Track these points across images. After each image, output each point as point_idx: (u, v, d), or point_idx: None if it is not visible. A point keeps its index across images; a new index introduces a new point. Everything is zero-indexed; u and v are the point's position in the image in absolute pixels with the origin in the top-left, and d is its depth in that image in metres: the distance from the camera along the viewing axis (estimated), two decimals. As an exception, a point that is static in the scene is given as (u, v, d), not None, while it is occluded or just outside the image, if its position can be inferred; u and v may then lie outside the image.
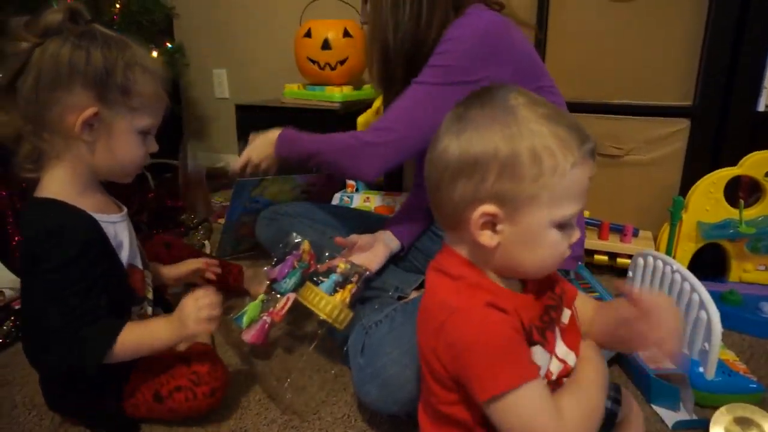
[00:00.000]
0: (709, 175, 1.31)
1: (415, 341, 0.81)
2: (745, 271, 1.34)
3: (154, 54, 1.81)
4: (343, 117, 1.94)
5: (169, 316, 0.83)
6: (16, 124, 0.77)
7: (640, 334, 0.60)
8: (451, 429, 0.60)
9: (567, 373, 0.62)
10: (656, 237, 1.45)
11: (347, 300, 0.92)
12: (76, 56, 0.74)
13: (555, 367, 0.60)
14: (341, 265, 0.97)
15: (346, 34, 1.93)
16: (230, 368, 1.03)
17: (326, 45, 1.93)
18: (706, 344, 0.93)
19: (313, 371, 1.04)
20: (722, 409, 0.85)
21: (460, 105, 0.58)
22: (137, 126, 0.80)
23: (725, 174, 1.30)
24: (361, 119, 1.99)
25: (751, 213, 1.30)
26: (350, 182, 1.76)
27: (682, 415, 0.90)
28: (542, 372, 0.57)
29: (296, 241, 1.08)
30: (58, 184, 0.79)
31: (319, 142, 1.04)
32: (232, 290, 1.27)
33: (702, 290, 0.96)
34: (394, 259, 1.12)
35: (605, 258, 1.46)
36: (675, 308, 0.60)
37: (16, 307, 1.19)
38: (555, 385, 0.60)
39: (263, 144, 1.12)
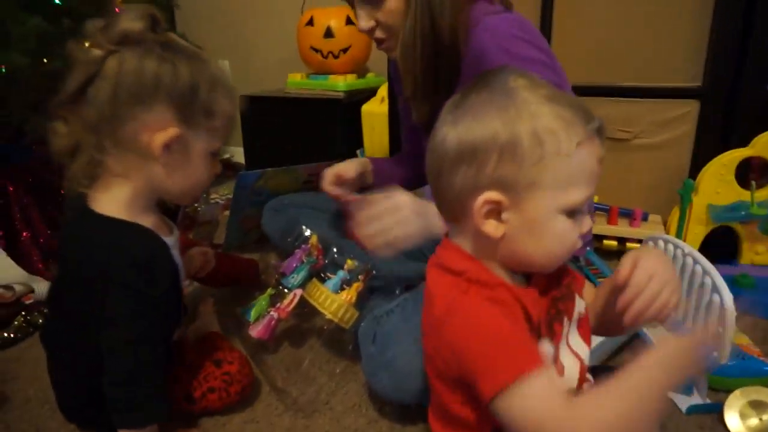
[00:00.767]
0: (719, 156, 1.29)
1: None
2: (757, 253, 1.33)
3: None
4: (347, 106, 1.93)
5: None
6: (76, 135, 0.71)
7: (623, 305, 0.56)
8: (462, 431, 0.59)
9: (584, 371, 0.59)
10: (666, 221, 1.44)
11: (353, 299, 0.92)
12: (162, 70, 0.68)
13: (568, 361, 0.57)
14: (349, 262, 0.96)
15: (349, 22, 1.91)
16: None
17: (329, 33, 1.91)
18: (720, 328, 0.93)
19: (323, 362, 1.04)
20: (736, 392, 0.84)
21: (460, 93, 0.56)
22: (212, 148, 0.75)
23: (736, 155, 1.28)
24: (365, 108, 1.98)
25: (762, 194, 1.29)
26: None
27: (696, 399, 0.89)
28: (550, 364, 0.55)
29: (305, 234, 1.07)
30: (125, 203, 0.73)
31: None
32: (248, 285, 1.27)
33: (715, 273, 0.95)
34: None
35: (614, 243, 1.45)
36: (661, 273, 0.56)
37: (27, 302, 1.20)
38: (576, 393, 0.57)
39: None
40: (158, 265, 0.73)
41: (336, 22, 1.92)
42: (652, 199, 1.48)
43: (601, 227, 1.44)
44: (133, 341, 0.71)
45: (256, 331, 1.00)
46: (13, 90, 1.26)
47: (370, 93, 1.99)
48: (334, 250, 1.05)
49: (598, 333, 0.67)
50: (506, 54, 0.85)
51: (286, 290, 1.02)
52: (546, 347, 0.55)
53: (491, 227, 0.53)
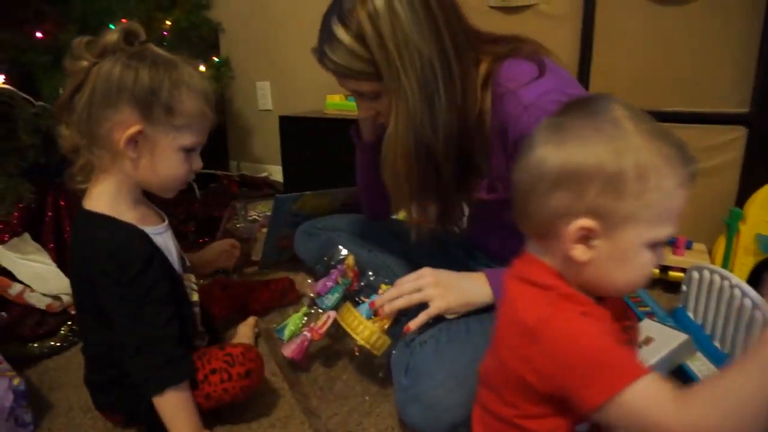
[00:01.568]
0: (768, 185, 1.25)
1: (461, 363, 0.81)
2: (809, 286, 1.27)
3: (202, 68, 1.87)
4: (384, 127, 1.95)
5: None
6: (73, 139, 0.82)
7: None
8: None
9: None
10: (711, 250, 1.39)
11: (386, 327, 0.91)
12: (124, 75, 0.77)
13: None
14: (383, 287, 0.95)
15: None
16: (274, 377, 1.04)
17: (367, 56, 1.94)
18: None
19: (356, 382, 1.04)
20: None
21: (559, 114, 0.56)
22: (181, 144, 0.82)
23: (786, 184, 1.24)
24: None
25: (815, 225, 1.23)
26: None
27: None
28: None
29: (341, 254, 1.07)
30: (107, 197, 0.83)
31: None
32: (287, 304, 1.31)
33: (765, 306, 0.91)
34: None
35: (656, 271, 1.40)
36: None
37: (73, 312, 1.24)
38: None
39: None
40: (129, 252, 0.80)
41: (375, 46, 1.95)
42: (696, 226, 1.43)
43: (642, 255, 1.40)
44: (133, 315, 0.80)
45: (289, 351, 1.01)
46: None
47: (406, 115, 2.01)
48: (370, 273, 1.05)
49: None
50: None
51: (320, 311, 1.03)
52: None
53: (579, 252, 0.55)
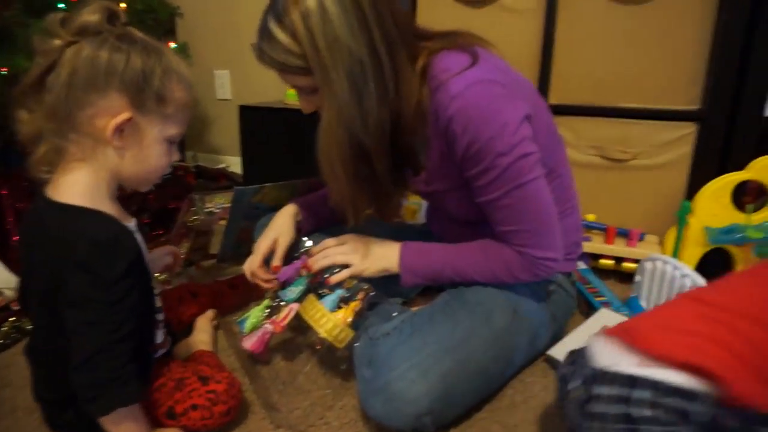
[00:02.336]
0: (716, 179, 1.30)
1: (423, 354, 0.82)
2: (752, 276, 1.33)
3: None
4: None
5: None
6: (37, 123, 0.74)
7: None
8: None
9: None
10: (662, 241, 1.44)
11: (349, 319, 0.90)
12: (115, 59, 0.71)
13: None
14: (348, 280, 0.95)
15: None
16: (234, 372, 1.01)
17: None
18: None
19: (319, 375, 1.03)
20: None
21: None
22: (167, 134, 0.78)
23: (733, 178, 1.29)
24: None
25: (758, 217, 1.30)
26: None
27: None
28: None
29: (306, 244, 1.06)
30: (82, 188, 0.75)
31: (466, 266, 0.92)
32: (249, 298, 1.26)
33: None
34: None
35: (611, 262, 1.45)
36: None
37: (15, 308, 1.17)
38: None
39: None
40: (120, 246, 0.73)
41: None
42: (648, 219, 1.49)
43: (598, 246, 1.44)
44: (94, 322, 0.71)
45: (249, 344, 0.98)
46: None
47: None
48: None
49: None
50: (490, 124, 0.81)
51: (282, 303, 1.01)
52: None
53: None
